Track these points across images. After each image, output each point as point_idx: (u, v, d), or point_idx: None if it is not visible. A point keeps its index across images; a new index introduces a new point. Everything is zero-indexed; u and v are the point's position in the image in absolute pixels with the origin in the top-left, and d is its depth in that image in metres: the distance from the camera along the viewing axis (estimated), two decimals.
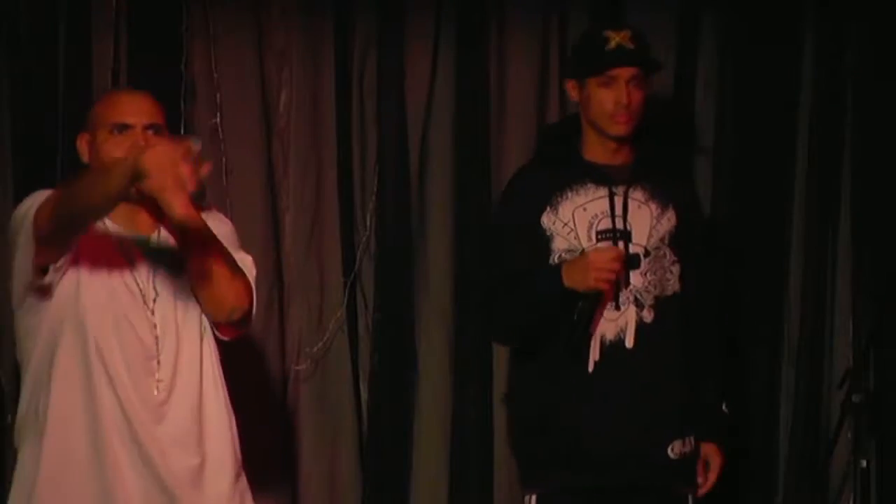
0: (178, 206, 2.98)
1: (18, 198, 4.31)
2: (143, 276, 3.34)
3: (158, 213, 3.25)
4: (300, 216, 4.54)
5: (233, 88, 4.48)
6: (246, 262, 3.42)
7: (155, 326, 3.32)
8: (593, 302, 3.65)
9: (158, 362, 3.31)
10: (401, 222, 4.55)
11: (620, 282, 3.69)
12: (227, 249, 3.34)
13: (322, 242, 4.55)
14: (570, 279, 3.64)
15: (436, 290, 4.56)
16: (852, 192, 4.63)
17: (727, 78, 4.60)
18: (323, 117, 4.53)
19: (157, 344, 3.31)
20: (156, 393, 3.30)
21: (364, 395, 4.55)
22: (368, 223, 4.56)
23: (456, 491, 4.54)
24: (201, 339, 3.37)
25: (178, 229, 3.23)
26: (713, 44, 4.63)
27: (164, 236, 3.37)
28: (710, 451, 3.82)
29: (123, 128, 3.33)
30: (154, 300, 3.34)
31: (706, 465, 3.82)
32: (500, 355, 4.48)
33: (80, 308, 3.28)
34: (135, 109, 3.36)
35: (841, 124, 4.64)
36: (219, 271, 3.30)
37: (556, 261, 3.74)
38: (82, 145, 3.41)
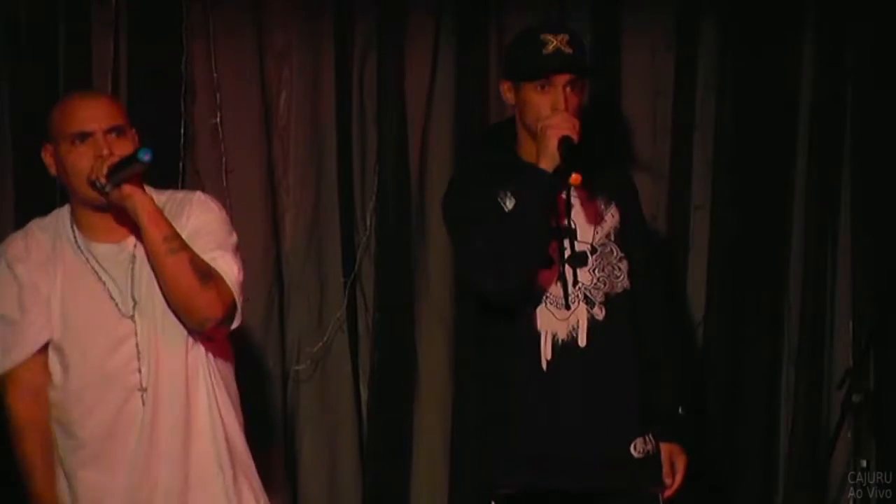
0: (141, 203, 3.16)
1: (18, 198, 4.33)
2: (119, 285, 3.31)
3: (131, 224, 3.27)
4: (300, 216, 4.55)
5: (233, 88, 4.48)
6: (225, 262, 3.31)
7: (135, 334, 3.29)
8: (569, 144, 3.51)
9: (140, 371, 3.27)
10: (401, 222, 4.55)
11: (567, 279, 3.62)
12: (199, 259, 3.25)
13: (322, 242, 4.55)
14: (545, 159, 3.50)
15: (436, 290, 4.56)
16: (852, 192, 4.63)
17: (727, 78, 4.60)
18: (323, 117, 4.53)
19: (137, 353, 3.28)
20: (142, 405, 3.27)
21: (364, 395, 4.55)
22: (368, 223, 4.56)
23: (456, 490, 4.54)
24: (188, 343, 3.31)
25: (143, 231, 3.21)
26: (713, 44, 4.63)
27: (138, 241, 3.33)
28: (673, 451, 3.74)
29: (84, 136, 3.26)
30: (133, 307, 3.30)
31: (672, 465, 3.74)
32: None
33: (59, 329, 3.28)
34: (92, 115, 3.29)
35: (841, 124, 4.64)
36: (184, 281, 3.23)
37: None
38: (47, 158, 3.35)
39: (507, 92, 3.69)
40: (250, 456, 3.43)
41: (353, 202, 4.55)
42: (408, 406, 4.56)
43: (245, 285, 3.36)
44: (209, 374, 3.34)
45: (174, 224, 3.28)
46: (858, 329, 4.60)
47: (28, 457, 3.33)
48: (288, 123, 4.54)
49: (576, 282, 3.63)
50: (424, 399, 4.57)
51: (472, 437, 3.91)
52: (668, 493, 3.74)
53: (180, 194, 3.45)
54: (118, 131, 3.28)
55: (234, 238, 3.39)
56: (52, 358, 3.31)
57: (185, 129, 4.42)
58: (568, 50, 3.60)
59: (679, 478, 3.74)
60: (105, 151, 3.23)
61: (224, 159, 4.46)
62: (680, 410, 3.76)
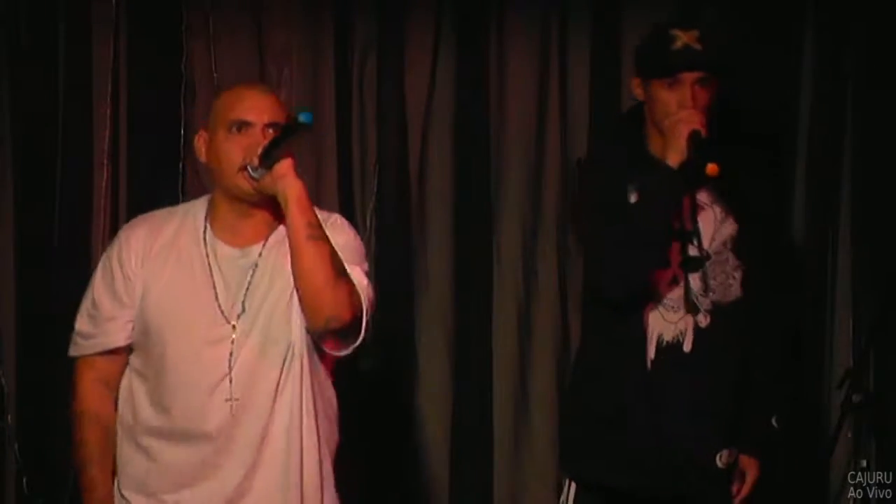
0: (292, 187, 3.14)
1: (18, 198, 4.34)
2: (230, 289, 3.28)
3: (275, 214, 3.25)
4: None
5: None
6: (360, 280, 3.26)
7: (232, 342, 3.25)
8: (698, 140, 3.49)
9: (230, 380, 3.24)
10: (401, 222, 4.55)
11: (688, 282, 3.59)
12: (337, 254, 3.19)
13: None
14: (673, 153, 3.48)
15: (436, 290, 4.56)
16: (852, 192, 4.63)
17: (727, 78, 4.59)
18: (323, 117, 4.53)
19: (229, 361, 3.25)
20: (230, 414, 3.24)
21: (364, 395, 4.55)
22: (368, 223, 4.56)
23: (456, 491, 4.54)
24: (284, 363, 3.27)
25: (289, 215, 3.17)
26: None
27: (267, 250, 3.30)
28: (749, 465, 3.71)
29: (244, 125, 3.23)
30: (239, 316, 3.27)
31: (742, 476, 3.71)
32: (500, 356, 4.50)
33: (157, 322, 3.27)
34: (257, 106, 3.25)
35: (841, 124, 4.63)
36: (320, 271, 3.16)
37: None
38: (199, 143, 3.32)
39: (636, 88, 3.66)
40: (330, 487, 3.41)
41: (353, 202, 4.55)
42: (408, 406, 4.57)
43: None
44: (300, 398, 3.28)
45: None
46: (858, 329, 4.60)
47: (89, 445, 3.30)
48: None
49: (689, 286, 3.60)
50: (424, 399, 4.57)
51: (565, 418, 3.91)
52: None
53: (322, 214, 3.36)
54: (276, 128, 3.23)
55: (366, 264, 3.36)
56: (150, 339, 3.29)
57: (185, 129, 4.42)
58: (697, 46, 3.56)
59: (745, 491, 3.71)
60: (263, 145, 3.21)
61: None
62: (774, 423, 3.72)
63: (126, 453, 3.32)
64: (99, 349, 3.32)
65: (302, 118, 3.15)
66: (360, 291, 3.24)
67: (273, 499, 3.28)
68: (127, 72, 4.41)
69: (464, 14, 4.55)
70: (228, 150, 3.23)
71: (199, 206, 3.38)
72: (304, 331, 3.26)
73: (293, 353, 3.27)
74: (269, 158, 3.17)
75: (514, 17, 4.56)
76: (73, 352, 3.36)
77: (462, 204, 4.55)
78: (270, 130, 3.23)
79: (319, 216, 3.25)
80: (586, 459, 3.69)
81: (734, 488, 3.72)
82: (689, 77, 3.55)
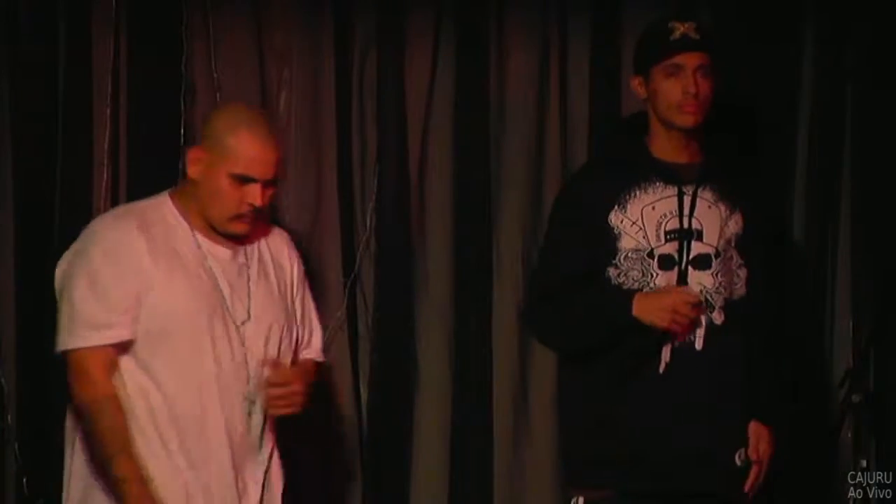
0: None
1: (18, 198, 4.33)
2: (234, 294, 3.34)
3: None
4: (300, 216, 4.54)
5: (233, 88, 4.47)
6: (317, 337, 3.58)
7: (243, 345, 3.33)
8: (661, 338, 3.59)
9: (248, 381, 3.34)
10: (401, 222, 4.54)
11: (689, 281, 3.62)
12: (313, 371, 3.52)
13: (322, 242, 4.55)
14: (643, 311, 3.56)
15: (436, 290, 4.56)
16: (852, 192, 4.63)
17: (727, 78, 4.59)
18: (323, 117, 4.53)
19: (246, 363, 3.32)
20: (247, 415, 3.37)
21: (364, 395, 4.55)
22: (368, 223, 4.56)
23: (456, 491, 4.53)
24: (292, 359, 3.41)
25: None
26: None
27: (248, 256, 3.38)
28: (760, 433, 3.70)
29: (245, 180, 3.31)
30: (244, 322, 3.33)
31: (757, 446, 3.70)
32: (501, 356, 4.49)
33: (169, 317, 3.30)
34: (265, 165, 3.33)
35: (841, 124, 4.63)
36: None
37: (622, 260, 3.67)
38: (194, 160, 3.36)
39: (638, 87, 3.70)
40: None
41: (353, 202, 4.55)
42: (408, 406, 4.56)
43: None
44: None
45: (279, 258, 3.49)
46: (858, 329, 4.60)
47: (118, 431, 3.29)
48: (288, 123, 4.54)
49: (697, 284, 3.62)
50: (424, 399, 4.57)
51: (571, 436, 3.87)
52: (748, 483, 3.70)
53: (269, 224, 3.54)
54: (275, 183, 3.36)
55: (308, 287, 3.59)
56: (156, 349, 3.31)
57: (185, 129, 4.42)
58: (695, 35, 3.62)
59: (765, 458, 3.69)
60: (259, 203, 3.31)
61: None
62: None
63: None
64: (114, 340, 3.31)
65: None
66: (318, 355, 3.57)
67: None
68: (127, 72, 4.41)
69: (464, 14, 4.54)
70: (227, 196, 3.32)
71: (168, 210, 3.40)
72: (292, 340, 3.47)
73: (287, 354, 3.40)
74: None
75: (514, 17, 4.56)
76: (79, 343, 3.32)
77: (462, 204, 4.55)
78: (269, 189, 3.35)
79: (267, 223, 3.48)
80: (603, 470, 3.68)
81: (752, 455, 3.71)
82: (690, 63, 3.61)
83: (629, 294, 3.60)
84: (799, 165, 4.63)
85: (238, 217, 3.34)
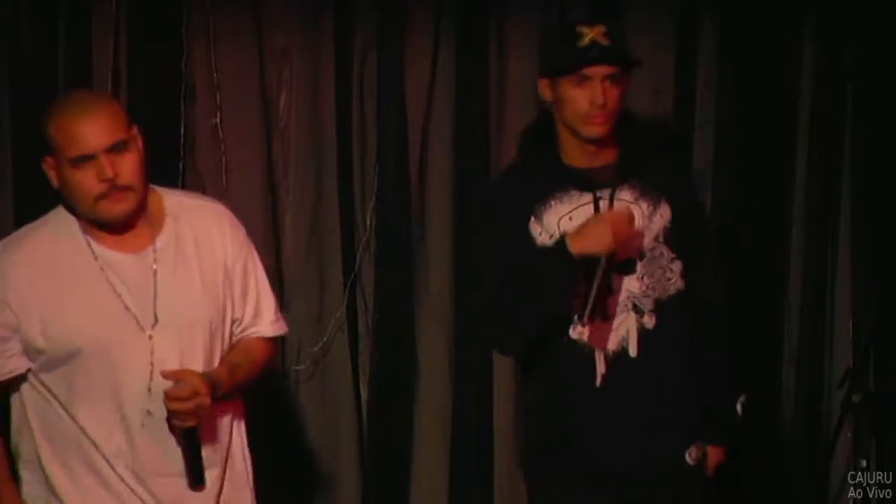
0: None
1: (18, 198, 4.33)
2: (138, 299, 3.23)
3: (153, 220, 3.28)
4: (300, 216, 4.55)
5: (233, 88, 4.48)
6: (269, 304, 3.45)
7: (151, 353, 3.21)
8: (609, 261, 3.42)
9: (149, 390, 3.19)
10: (401, 222, 4.55)
11: (613, 288, 3.51)
12: (254, 357, 3.42)
13: (322, 242, 4.55)
14: (582, 244, 3.39)
15: (436, 290, 4.56)
16: (852, 193, 4.63)
17: (727, 78, 4.60)
18: (323, 117, 4.53)
19: (150, 373, 3.19)
20: (141, 426, 3.20)
21: (364, 395, 4.55)
22: (368, 223, 4.56)
23: (456, 490, 4.54)
24: (208, 366, 3.27)
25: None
26: (713, 44, 4.62)
27: (159, 253, 3.26)
28: (713, 452, 3.64)
29: (85, 159, 3.15)
30: (153, 325, 3.23)
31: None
32: (500, 356, 4.49)
33: (73, 339, 3.19)
34: (91, 134, 3.15)
35: (841, 124, 4.64)
36: (256, 375, 3.43)
37: None
38: (49, 171, 3.22)
39: (544, 89, 3.55)
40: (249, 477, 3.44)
41: (353, 202, 4.55)
42: (408, 406, 4.57)
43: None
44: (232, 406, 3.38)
45: (206, 238, 3.31)
46: (858, 329, 4.60)
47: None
48: (288, 123, 4.54)
49: (617, 290, 3.51)
50: (424, 399, 4.57)
51: (528, 456, 3.78)
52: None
53: (194, 201, 3.40)
54: (119, 147, 3.16)
55: (256, 255, 3.44)
56: (69, 362, 3.22)
57: (185, 129, 4.42)
58: (605, 42, 3.47)
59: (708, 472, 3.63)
60: (110, 174, 3.14)
61: (224, 159, 4.46)
62: (739, 409, 3.64)
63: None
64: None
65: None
66: (272, 325, 3.45)
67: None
68: (127, 72, 4.41)
69: (464, 14, 4.54)
70: (80, 182, 3.16)
71: (66, 220, 3.27)
72: (221, 340, 3.35)
73: (212, 360, 3.29)
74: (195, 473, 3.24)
75: (514, 17, 4.56)
76: None
77: (462, 204, 4.55)
78: (114, 153, 3.15)
79: (194, 204, 3.40)
80: (559, 489, 3.60)
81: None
82: (599, 72, 3.46)
83: (559, 241, 3.45)
84: (799, 165, 4.64)
85: (101, 198, 3.16)
